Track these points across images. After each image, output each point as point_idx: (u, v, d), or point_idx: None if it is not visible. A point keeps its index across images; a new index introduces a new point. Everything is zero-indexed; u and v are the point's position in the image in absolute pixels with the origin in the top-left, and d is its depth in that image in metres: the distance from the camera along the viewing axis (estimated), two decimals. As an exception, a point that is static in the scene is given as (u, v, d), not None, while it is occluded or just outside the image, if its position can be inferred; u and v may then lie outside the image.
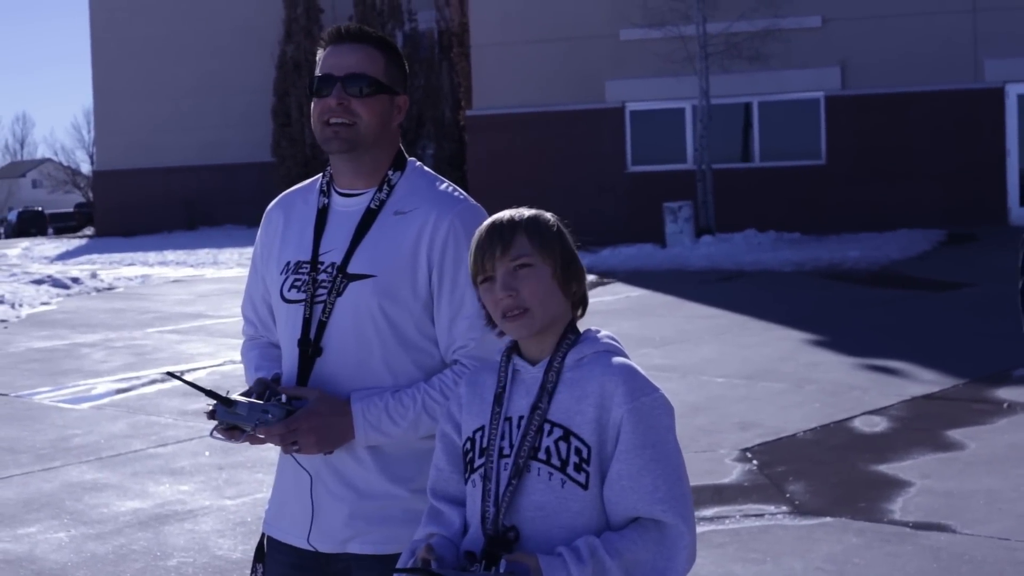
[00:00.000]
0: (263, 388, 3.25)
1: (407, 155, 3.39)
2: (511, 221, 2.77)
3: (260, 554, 3.42)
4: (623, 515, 2.66)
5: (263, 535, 3.43)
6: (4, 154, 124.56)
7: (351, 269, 3.23)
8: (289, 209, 3.45)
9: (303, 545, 3.28)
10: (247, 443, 3.21)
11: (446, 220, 3.21)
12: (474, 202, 3.30)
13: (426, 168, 3.40)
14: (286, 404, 3.16)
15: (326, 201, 3.35)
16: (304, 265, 3.30)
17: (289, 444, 3.16)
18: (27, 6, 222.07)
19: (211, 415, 3.17)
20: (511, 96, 31.72)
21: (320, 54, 3.32)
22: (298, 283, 3.30)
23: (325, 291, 3.24)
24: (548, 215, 2.83)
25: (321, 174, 3.43)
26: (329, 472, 3.24)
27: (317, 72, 3.28)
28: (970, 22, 27.90)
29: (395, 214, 3.26)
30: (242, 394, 3.23)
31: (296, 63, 44.52)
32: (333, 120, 3.22)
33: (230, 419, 3.15)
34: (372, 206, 3.28)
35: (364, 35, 3.29)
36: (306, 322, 3.25)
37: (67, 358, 15.00)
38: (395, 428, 3.16)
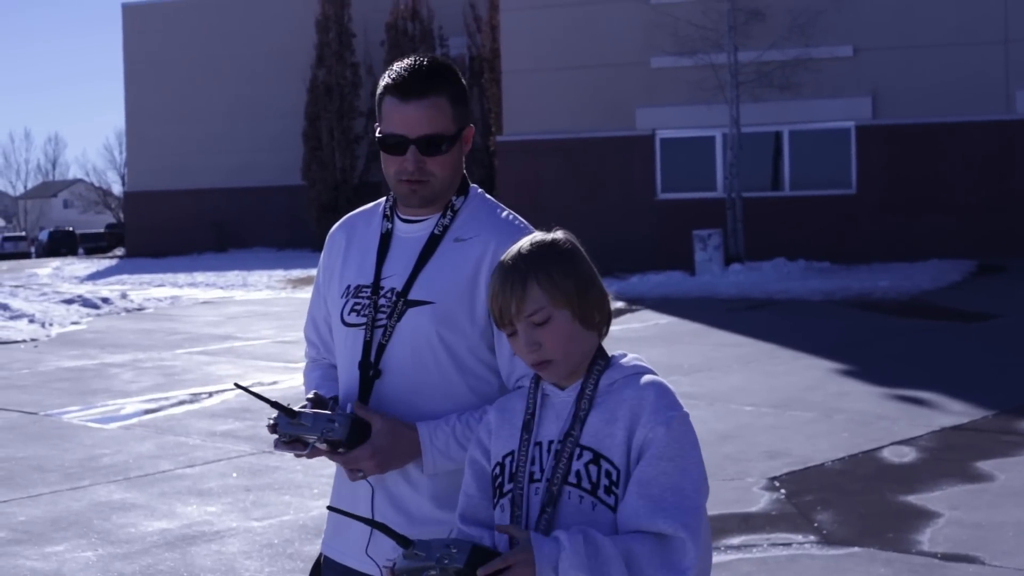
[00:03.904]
0: (323, 402, 3.25)
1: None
2: (521, 271, 2.74)
3: (316, 573, 3.43)
4: (627, 524, 2.63)
5: (320, 554, 3.44)
6: (36, 174, 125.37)
7: (411, 295, 3.23)
8: (351, 232, 3.46)
9: (357, 565, 3.27)
10: (309, 457, 3.18)
11: (505, 248, 3.16)
12: (534, 230, 3.26)
13: (487, 195, 3.40)
14: (350, 414, 3.13)
15: (390, 226, 3.36)
16: (364, 289, 3.31)
17: (354, 472, 3.17)
18: (60, 28, 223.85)
19: (272, 428, 3.13)
20: (542, 122, 31.78)
21: (387, 100, 3.25)
22: (358, 307, 3.30)
23: (384, 315, 3.24)
24: (559, 243, 2.80)
25: (384, 198, 3.43)
26: (383, 496, 3.24)
27: (386, 125, 3.23)
28: (1002, 53, 27.84)
29: (455, 241, 3.26)
30: (302, 407, 3.21)
31: (328, 87, 44.75)
32: (411, 180, 3.23)
33: (293, 431, 3.10)
34: (436, 232, 3.28)
35: (429, 86, 3.22)
36: (366, 344, 3.25)
37: (96, 378, 15.06)
38: (463, 452, 3.13)
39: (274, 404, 3.11)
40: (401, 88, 3.24)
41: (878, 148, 28.83)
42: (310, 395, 3.30)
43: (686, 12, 28.55)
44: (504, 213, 3.34)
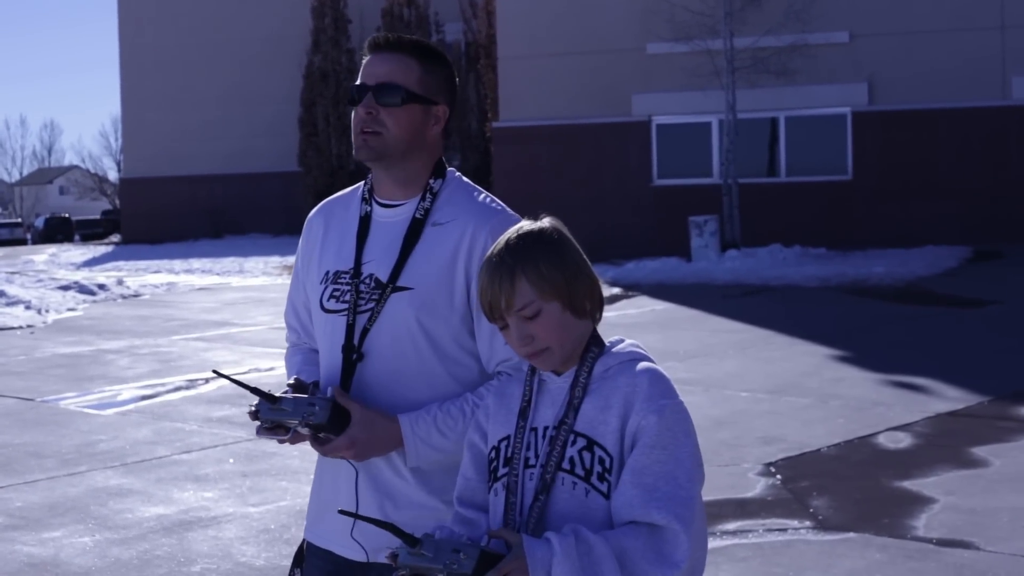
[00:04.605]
0: (304, 387, 3.24)
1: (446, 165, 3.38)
2: (508, 266, 2.72)
3: (299, 559, 3.42)
4: (620, 514, 2.63)
5: (303, 540, 3.43)
6: (32, 161, 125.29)
7: (389, 280, 3.21)
8: (329, 217, 3.44)
9: (340, 550, 3.26)
10: (290, 443, 3.16)
11: (483, 232, 3.17)
12: (512, 213, 3.25)
13: (464, 178, 3.37)
14: (331, 398, 3.11)
15: (368, 209, 3.34)
16: (343, 275, 3.29)
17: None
18: (55, 14, 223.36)
19: (254, 415, 3.11)
20: (538, 108, 31.75)
21: (363, 59, 3.32)
22: (336, 293, 3.28)
23: (365, 300, 3.22)
24: (546, 233, 2.77)
25: (363, 182, 3.42)
26: (366, 480, 3.23)
27: (356, 81, 3.29)
28: (998, 39, 27.84)
29: (432, 225, 3.24)
30: (283, 393, 3.18)
31: (323, 73, 44.68)
32: (364, 129, 3.22)
33: (274, 416, 3.08)
34: (417, 215, 3.25)
35: (401, 44, 3.27)
36: (349, 328, 3.23)
37: (93, 364, 15.07)
38: (445, 441, 3.13)
39: (254, 390, 3.09)
40: (374, 43, 3.29)
41: (874, 134, 28.84)
42: (291, 380, 3.28)
43: (682, -2, 28.51)
44: (481, 196, 3.30)
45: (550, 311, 2.71)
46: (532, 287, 2.70)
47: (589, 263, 2.81)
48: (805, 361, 13.39)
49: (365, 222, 3.33)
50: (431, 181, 3.29)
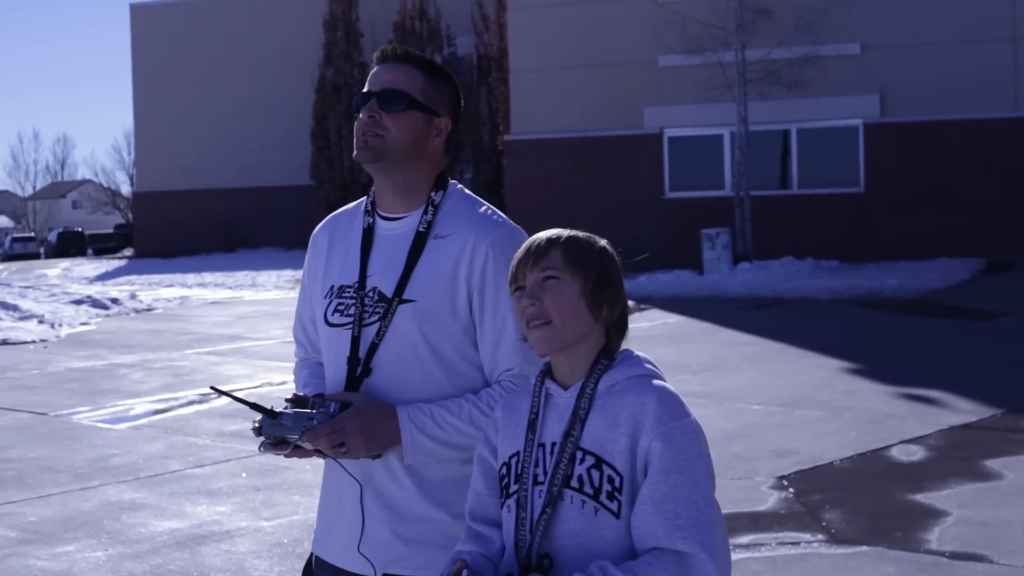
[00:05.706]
0: (304, 401, 3.25)
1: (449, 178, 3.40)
2: (551, 237, 2.79)
3: (308, 572, 3.43)
4: (644, 543, 2.62)
5: (312, 554, 3.44)
6: (45, 175, 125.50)
7: (395, 293, 3.22)
8: (334, 231, 3.46)
9: (347, 565, 3.26)
10: (295, 457, 3.18)
11: (484, 244, 3.19)
12: (514, 225, 3.27)
13: (467, 191, 3.39)
14: (330, 411, 3.13)
15: (371, 221, 3.35)
16: (347, 289, 3.30)
17: (337, 447, 3.11)
18: (68, 28, 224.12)
19: (257, 431, 3.13)
20: (549, 121, 31.79)
21: (370, 73, 3.36)
22: (341, 307, 3.30)
23: (369, 313, 3.23)
24: (598, 240, 2.83)
25: (366, 196, 3.43)
26: (371, 494, 3.23)
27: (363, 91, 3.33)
28: (1010, 50, 27.81)
29: (434, 238, 3.25)
30: (284, 408, 3.21)
31: (336, 87, 44.79)
32: (366, 132, 3.25)
33: (276, 431, 3.11)
34: (421, 229, 3.27)
35: (408, 56, 3.31)
36: (354, 341, 3.24)
37: (106, 378, 15.09)
38: (441, 433, 3.14)
39: (254, 406, 3.11)
40: (381, 54, 3.34)
41: (886, 146, 28.81)
42: (290, 396, 3.29)
43: (694, 10, 28.54)
44: (483, 208, 3.32)
45: (568, 286, 2.74)
46: (563, 258, 2.75)
47: (624, 289, 2.86)
48: (818, 374, 13.38)
49: (368, 235, 3.34)
50: (433, 194, 3.31)
